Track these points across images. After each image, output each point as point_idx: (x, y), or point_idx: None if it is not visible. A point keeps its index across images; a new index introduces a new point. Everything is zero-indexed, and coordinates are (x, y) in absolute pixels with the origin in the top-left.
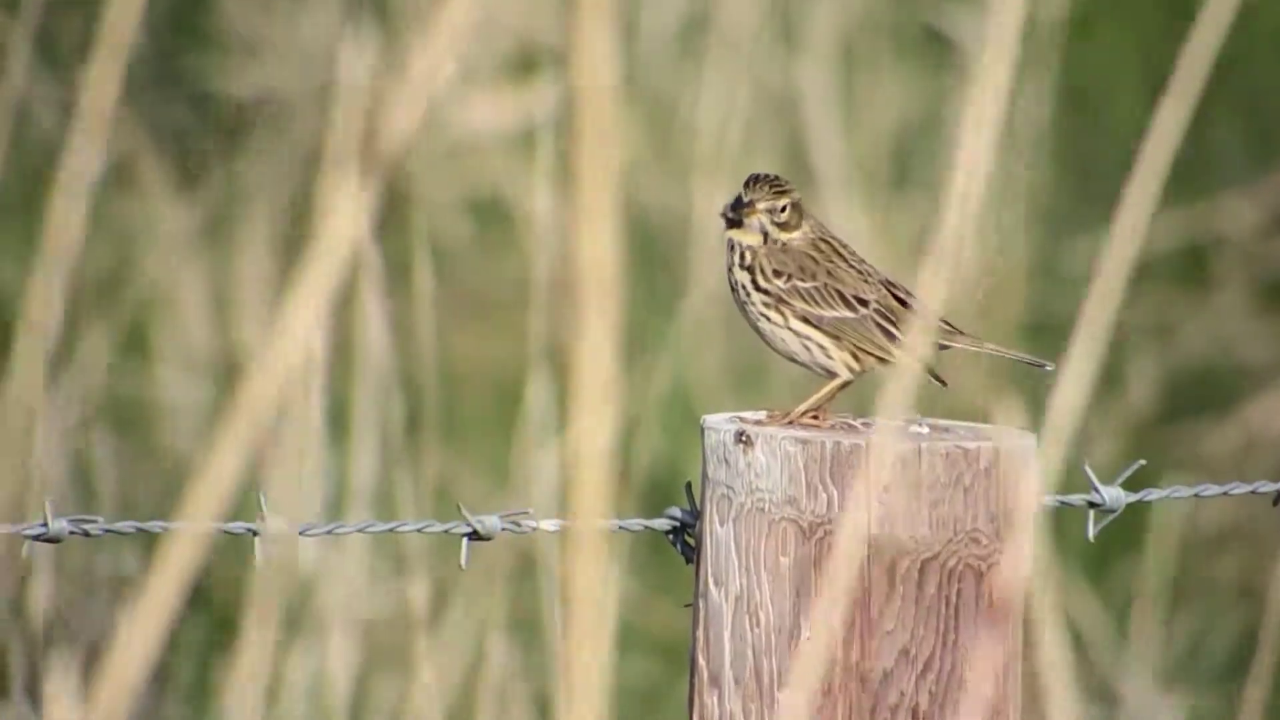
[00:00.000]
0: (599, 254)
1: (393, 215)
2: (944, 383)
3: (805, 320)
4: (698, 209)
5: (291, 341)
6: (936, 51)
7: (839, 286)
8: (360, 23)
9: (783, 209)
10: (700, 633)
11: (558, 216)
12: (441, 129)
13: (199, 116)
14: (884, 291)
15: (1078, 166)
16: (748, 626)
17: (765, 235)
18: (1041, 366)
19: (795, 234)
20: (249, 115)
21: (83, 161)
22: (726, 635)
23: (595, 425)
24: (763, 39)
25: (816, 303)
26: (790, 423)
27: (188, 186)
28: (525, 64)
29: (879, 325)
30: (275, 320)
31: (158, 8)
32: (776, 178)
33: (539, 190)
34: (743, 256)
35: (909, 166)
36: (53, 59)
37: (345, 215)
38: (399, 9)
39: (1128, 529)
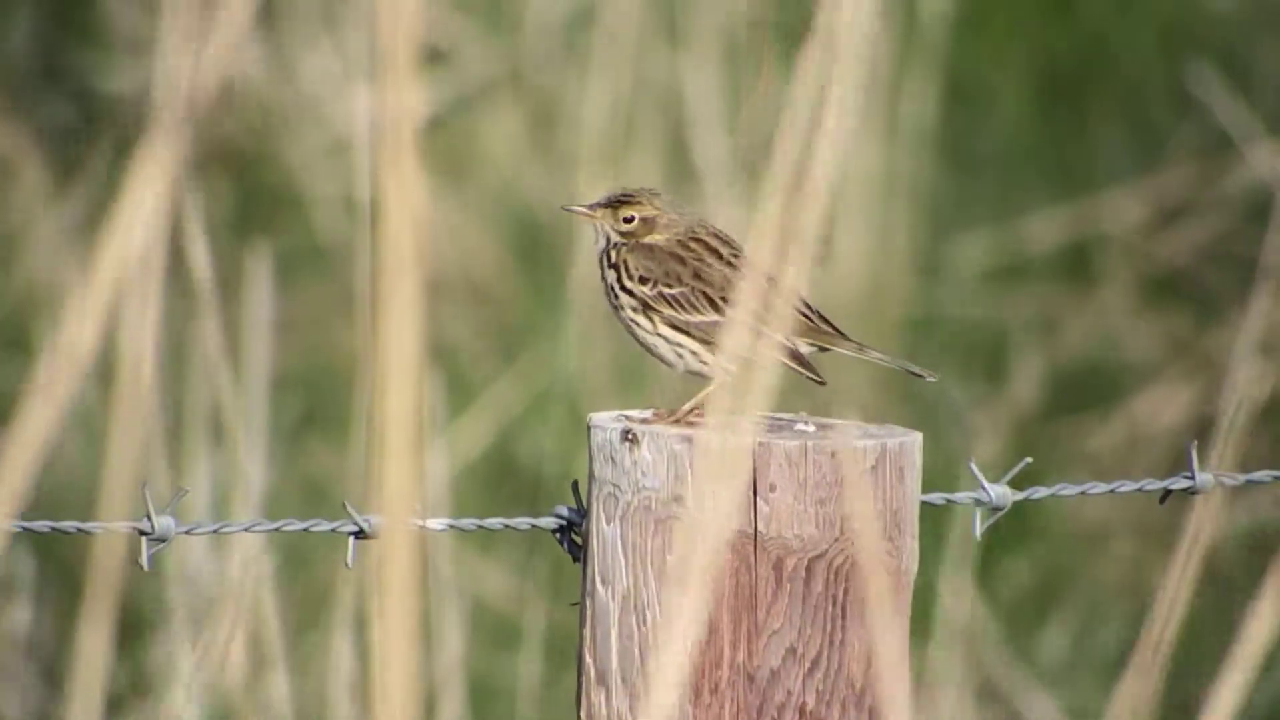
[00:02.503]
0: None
1: (275, 213)
2: (822, 381)
3: (673, 325)
4: (581, 204)
5: (93, 313)
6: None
7: (705, 289)
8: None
9: (626, 219)
10: (587, 631)
11: (441, 214)
12: (323, 126)
13: (81, 113)
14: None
15: (962, 162)
16: (635, 625)
17: (608, 239)
18: (925, 377)
19: (654, 237)
20: (131, 112)
21: None
22: (614, 634)
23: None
24: (647, 34)
25: (683, 308)
26: (676, 421)
27: (70, 183)
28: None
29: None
30: (76, 293)
31: (41, 5)
32: (627, 193)
33: (426, 188)
34: (608, 256)
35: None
36: None
37: (150, 179)
38: (288, 8)
39: (1013, 526)
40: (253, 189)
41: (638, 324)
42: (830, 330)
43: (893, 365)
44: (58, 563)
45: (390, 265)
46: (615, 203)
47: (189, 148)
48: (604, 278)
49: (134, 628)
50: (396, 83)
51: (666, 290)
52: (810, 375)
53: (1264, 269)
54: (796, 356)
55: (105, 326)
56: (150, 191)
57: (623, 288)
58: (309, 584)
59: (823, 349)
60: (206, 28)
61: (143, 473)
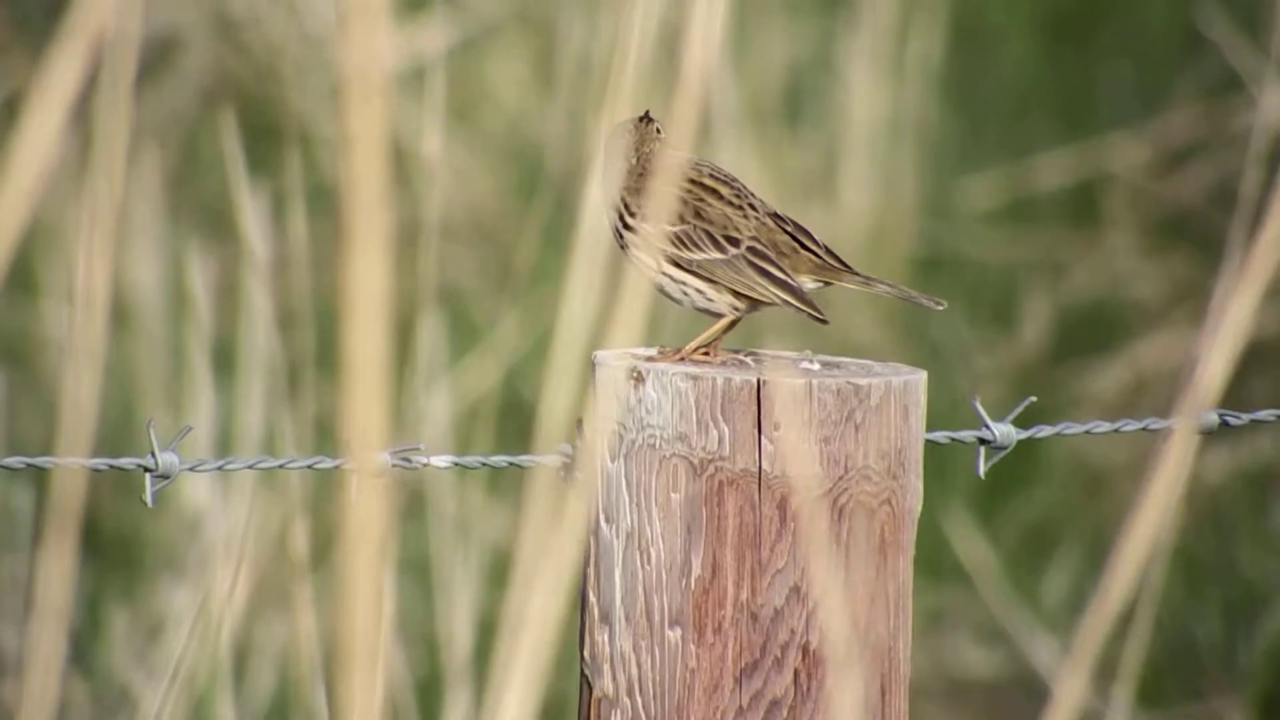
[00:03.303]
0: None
1: (277, 153)
2: (825, 320)
3: (676, 264)
4: (588, 145)
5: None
6: None
7: (707, 227)
8: None
9: (658, 131)
10: (591, 569)
11: (447, 155)
12: (327, 67)
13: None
14: (770, 226)
15: (968, 104)
16: (638, 563)
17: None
18: (933, 306)
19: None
20: (138, 49)
21: None
22: (617, 572)
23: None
24: None
25: (685, 246)
26: (681, 359)
27: (75, 119)
28: (413, 3)
29: (751, 264)
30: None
31: None
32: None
33: (428, 130)
34: (609, 196)
35: (799, 104)
36: None
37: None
38: None
39: (1017, 467)
40: (257, 128)
41: (641, 261)
42: (836, 265)
43: (900, 296)
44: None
45: (357, 205)
46: (645, 118)
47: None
48: (611, 222)
49: (138, 568)
50: (365, 24)
51: (668, 228)
52: (813, 314)
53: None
54: (800, 295)
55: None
56: (52, 114)
57: (625, 226)
58: (315, 524)
59: (828, 284)
60: None
61: (146, 410)
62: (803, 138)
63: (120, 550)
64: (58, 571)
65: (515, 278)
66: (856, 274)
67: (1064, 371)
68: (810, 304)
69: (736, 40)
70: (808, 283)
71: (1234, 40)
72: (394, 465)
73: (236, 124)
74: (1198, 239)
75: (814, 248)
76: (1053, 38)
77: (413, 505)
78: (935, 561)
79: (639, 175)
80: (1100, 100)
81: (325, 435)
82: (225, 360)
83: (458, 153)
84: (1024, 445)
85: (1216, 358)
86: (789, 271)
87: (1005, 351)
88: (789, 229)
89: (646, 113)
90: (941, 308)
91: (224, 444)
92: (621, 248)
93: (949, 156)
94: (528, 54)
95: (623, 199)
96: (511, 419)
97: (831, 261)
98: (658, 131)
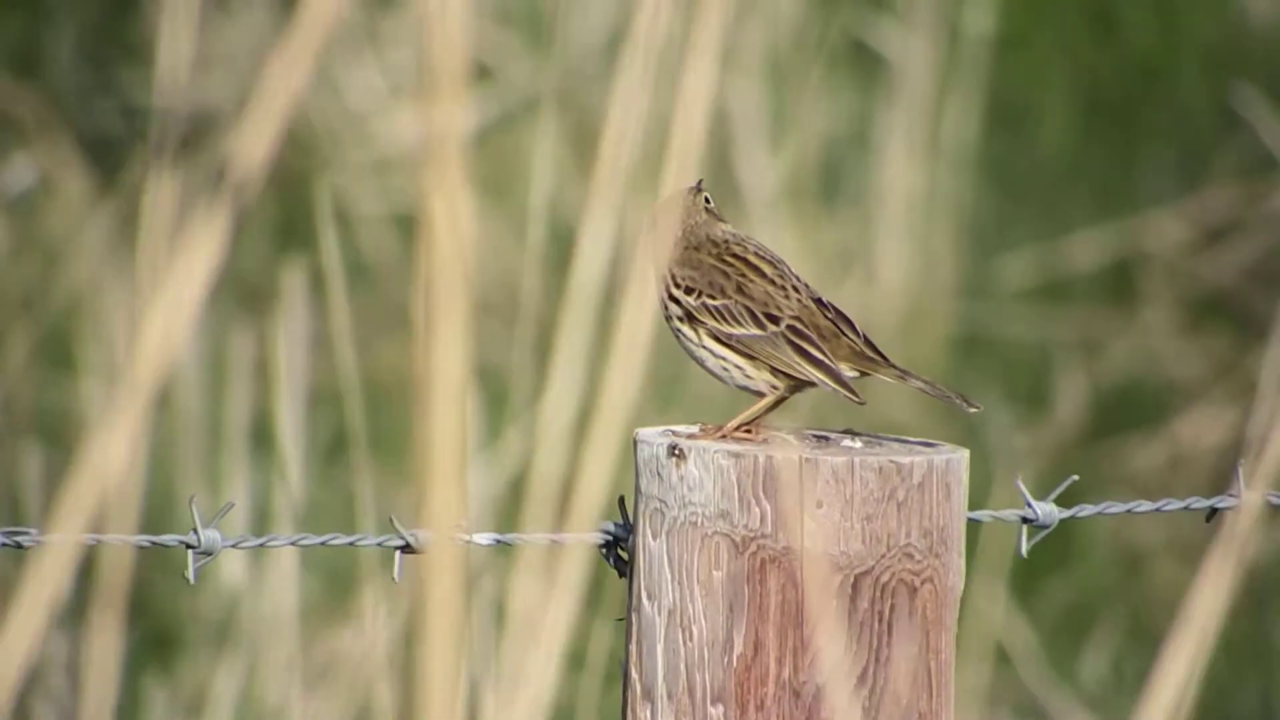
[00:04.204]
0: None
1: (315, 230)
2: (862, 401)
3: (716, 338)
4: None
5: (154, 352)
6: (864, 67)
7: (748, 303)
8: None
9: (706, 200)
10: (633, 646)
11: (483, 230)
12: (367, 143)
13: (127, 128)
14: (811, 309)
15: (1005, 182)
16: (680, 640)
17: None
18: (967, 408)
19: (717, 226)
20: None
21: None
22: (659, 649)
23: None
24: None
25: (725, 320)
26: (723, 436)
27: (113, 197)
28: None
29: (790, 342)
30: (139, 331)
31: (87, 19)
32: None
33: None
34: (656, 267)
35: (836, 182)
36: None
37: (206, 232)
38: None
39: (1056, 546)
40: (296, 205)
41: (684, 334)
42: (875, 355)
43: (935, 394)
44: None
45: (439, 286)
46: (696, 189)
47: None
48: (655, 289)
49: (176, 644)
50: (443, 100)
51: (710, 301)
52: (850, 395)
53: None
54: (837, 375)
55: (157, 377)
56: (198, 266)
57: (669, 296)
58: (347, 601)
59: (865, 374)
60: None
61: (184, 486)
62: (839, 215)
63: (157, 626)
64: (101, 648)
65: (551, 354)
66: (894, 366)
67: (1101, 450)
68: (847, 385)
69: (774, 117)
70: (845, 369)
71: (1270, 120)
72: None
73: (276, 201)
74: (1235, 317)
75: (853, 336)
76: (1089, 116)
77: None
78: (974, 640)
79: (686, 247)
80: (1137, 179)
81: (364, 512)
82: (263, 436)
83: (493, 228)
84: (1063, 524)
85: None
86: (827, 352)
87: (1042, 430)
88: (830, 315)
89: (698, 183)
90: (976, 410)
91: (260, 520)
92: (666, 319)
93: (986, 235)
94: (563, 130)
95: (669, 270)
96: (550, 496)
97: (870, 352)
98: (707, 202)
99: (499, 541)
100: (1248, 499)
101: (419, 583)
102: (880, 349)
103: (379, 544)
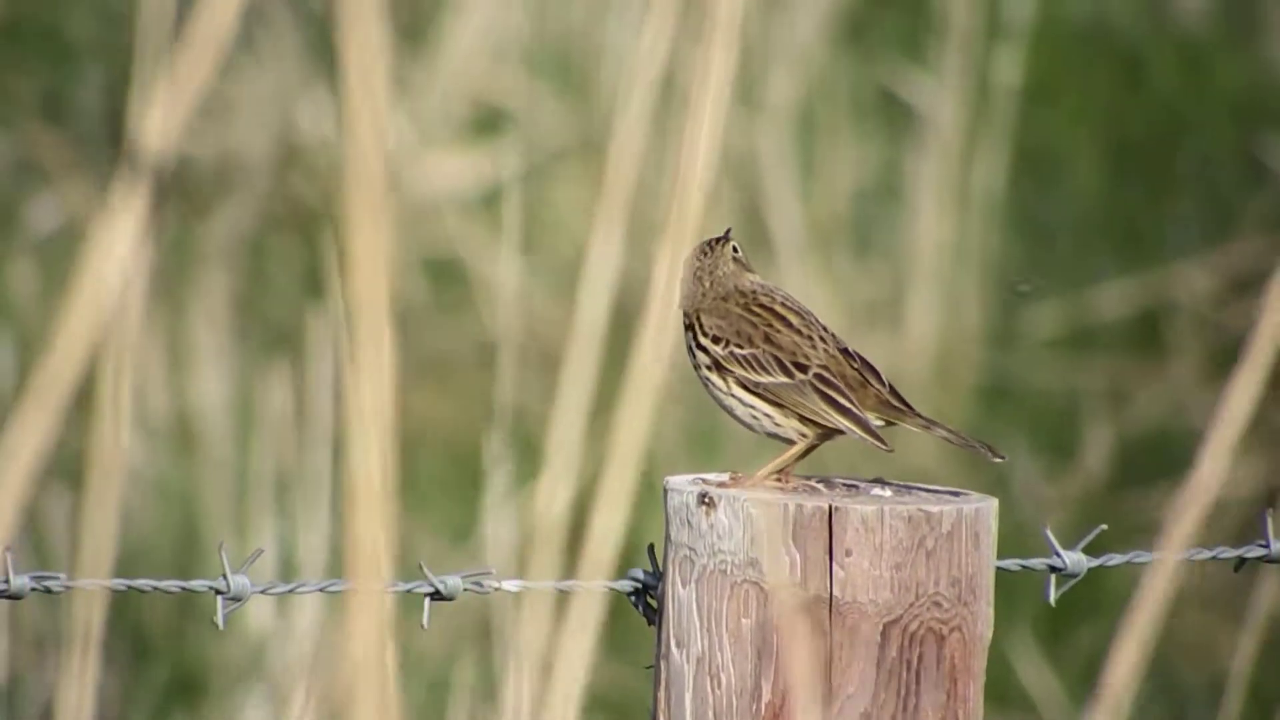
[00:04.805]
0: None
1: (343, 274)
2: (889, 449)
3: (744, 387)
4: (655, 270)
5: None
6: (894, 117)
7: (776, 352)
8: (317, 83)
9: (735, 250)
10: (662, 694)
11: (516, 278)
12: (399, 189)
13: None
14: (838, 359)
15: (1033, 232)
16: (709, 688)
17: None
18: (992, 458)
19: (742, 280)
20: (206, 173)
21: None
22: (688, 697)
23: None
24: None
25: (754, 369)
26: (753, 485)
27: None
28: (483, 126)
29: (818, 391)
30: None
31: (114, 63)
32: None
33: (500, 255)
34: (685, 315)
35: (864, 231)
36: (8, 115)
37: (120, 227)
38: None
39: (1083, 595)
40: (322, 250)
41: (712, 383)
42: (900, 405)
43: (961, 444)
44: (125, 624)
45: (362, 321)
46: (724, 239)
47: (158, 194)
48: (687, 342)
49: (202, 690)
50: (364, 131)
51: (738, 350)
52: (878, 443)
53: None
54: (864, 423)
55: (82, 370)
56: (119, 239)
57: (698, 344)
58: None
59: (891, 423)
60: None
61: (211, 532)
62: (868, 265)
63: (185, 671)
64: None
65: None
66: (920, 416)
67: (1127, 500)
68: (874, 432)
69: (802, 166)
70: (872, 419)
71: None
72: (465, 589)
73: (302, 246)
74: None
75: (879, 386)
76: (1117, 167)
77: (479, 631)
78: (1001, 689)
79: (714, 297)
80: (1164, 229)
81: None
82: (291, 482)
83: (523, 277)
84: (1090, 573)
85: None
86: (854, 401)
87: (1069, 479)
88: (856, 365)
89: (726, 233)
90: (1001, 460)
91: (287, 566)
92: (694, 368)
93: (1013, 284)
94: (592, 179)
95: (698, 318)
96: (579, 544)
97: (895, 401)
98: (735, 252)
99: (527, 588)
100: (1276, 549)
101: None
102: (906, 399)
103: (408, 590)
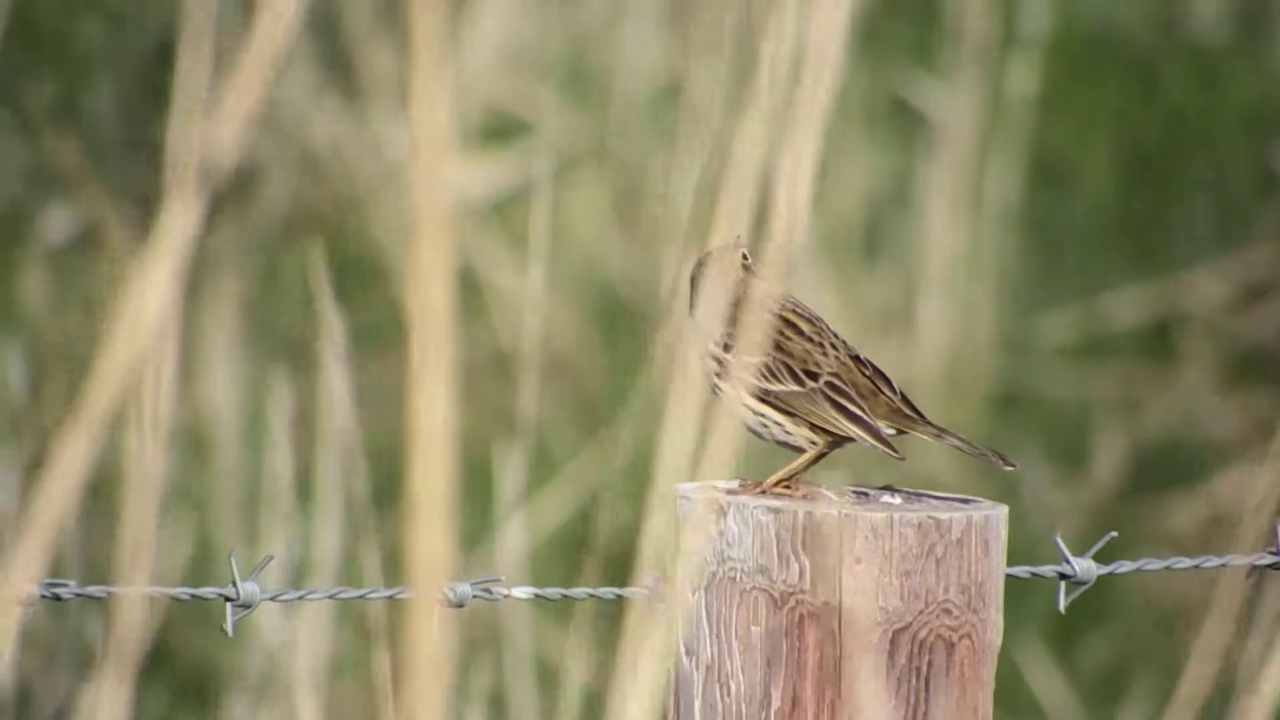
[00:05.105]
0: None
1: (356, 284)
2: (901, 457)
3: (755, 395)
4: (665, 278)
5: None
6: (906, 125)
7: (787, 360)
8: (330, 91)
9: (744, 257)
10: (670, 701)
11: (526, 288)
12: (405, 199)
13: (163, 181)
14: (850, 367)
15: (1046, 240)
16: (718, 696)
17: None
18: (1002, 466)
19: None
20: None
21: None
22: (697, 704)
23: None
24: (734, 110)
25: (764, 377)
26: (762, 492)
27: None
28: (494, 133)
29: (829, 399)
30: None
31: (128, 74)
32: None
33: (519, 264)
34: (700, 324)
35: (877, 239)
36: (20, 123)
37: (174, 226)
38: (368, 76)
39: (1094, 604)
40: (336, 259)
41: (721, 389)
42: (911, 414)
43: (972, 452)
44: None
45: (423, 338)
46: (735, 245)
47: (203, 213)
48: (695, 345)
49: (212, 697)
50: (434, 155)
51: (749, 358)
52: (889, 451)
53: None
54: (875, 431)
55: (125, 393)
56: (164, 259)
57: (709, 354)
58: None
59: (902, 431)
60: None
61: (223, 539)
62: (880, 272)
63: (195, 678)
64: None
65: (592, 411)
66: (931, 424)
67: (1140, 508)
68: (885, 441)
69: (816, 174)
70: (883, 426)
71: None
72: (475, 596)
73: (317, 255)
74: (1274, 376)
75: (890, 394)
76: (1130, 175)
77: (488, 638)
78: (1011, 696)
79: (725, 304)
80: (1177, 237)
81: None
82: (303, 490)
83: (541, 285)
84: (1100, 581)
85: None
86: (866, 409)
87: (1081, 487)
88: (868, 372)
89: (737, 238)
90: (1013, 469)
91: (299, 573)
92: (704, 374)
93: (1026, 292)
94: (605, 187)
95: (708, 326)
96: (589, 551)
97: (907, 409)
98: (745, 258)
99: (538, 596)
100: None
101: (401, 639)
102: (917, 407)
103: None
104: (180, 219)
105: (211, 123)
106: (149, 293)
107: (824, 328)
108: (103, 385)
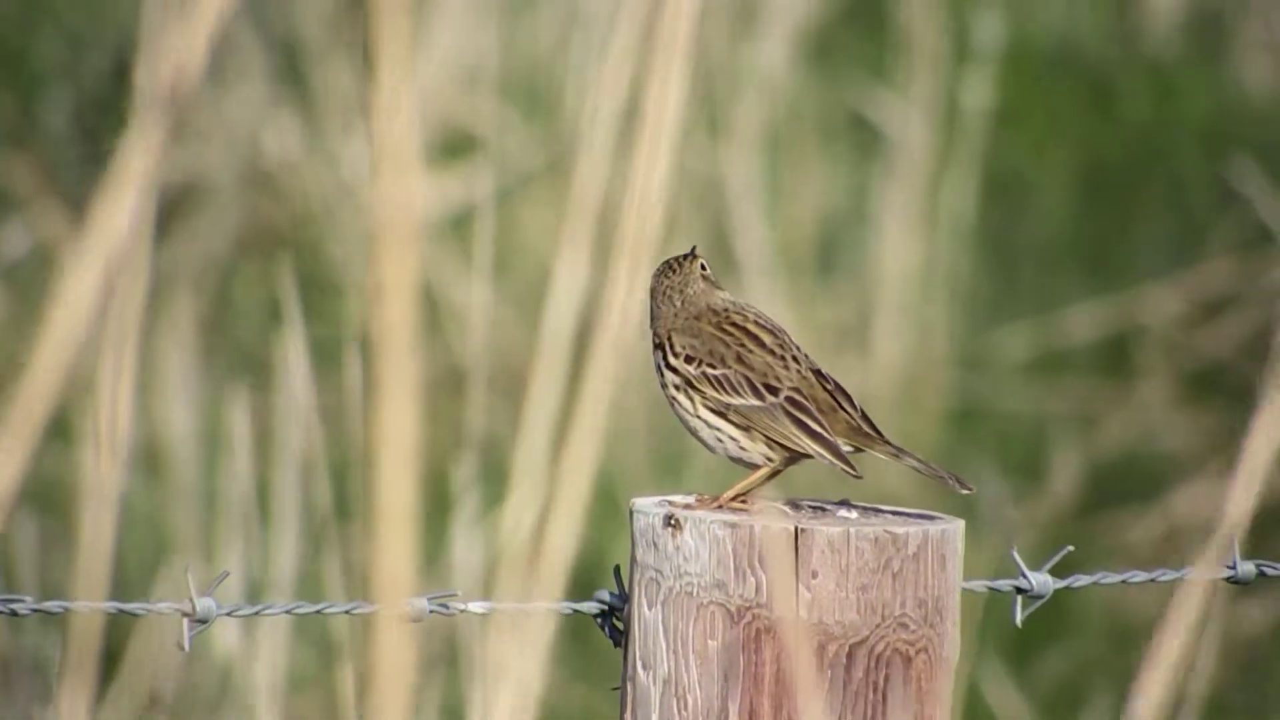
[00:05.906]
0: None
1: (311, 300)
2: (859, 476)
3: (712, 410)
4: (620, 295)
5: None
6: (862, 140)
7: (748, 373)
8: (285, 107)
9: (703, 268)
10: (629, 715)
11: (486, 303)
12: (363, 213)
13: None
14: (811, 381)
15: (1002, 256)
16: (675, 710)
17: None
18: (959, 489)
19: (713, 297)
20: (173, 198)
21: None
22: (654, 718)
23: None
24: (689, 125)
25: (724, 390)
26: (719, 507)
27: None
28: (451, 149)
29: (789, 414)
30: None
31: (85, 91)
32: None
33: (470, 279)
34: (655, 335)
35: (832, 254)
36: None
37: (135, 162)
38: (323, 92)
39: (1051, 618)
40: (291, 274)
41: (679, 403)
42: (870, 432)
43: (929, 473)
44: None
45: (386, 354)
46: (690, 256)
47: (168, 139)
48: (655, 361)
49: (168, 711)
50: (397, 172)
51: (710, 370)
52: (847, 469)
53: None
54: (834, 448)
55: (91, 310)
56: (133, 180)
57: (667, 365)
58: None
59: (860, 449)
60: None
61: (180, 555)
62: (836, 287)
63: (151, 696)
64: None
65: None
66: (889, 444)
67: (1096, 523)
68: (844, 458)
69: (770, 189)
70: (842, 444)
71: (1267, 194)
72: (431, 611)
73: (272, 271)
74: (1230, 391)
75: (850, 411)
76: (1086, 190)
77: (445, 653)
78: (969, 711)
79: (687, 315)
80: (1134, 252)
81: (360, 580)
82: (260, 505)
83: (490, 301)
84: (1058, 596)
85: (1241, 505)
86: (826, 426)
87: (1038, 502)
88: (829, 388)
89: (693, 249)
90: (969, 492)
91: (255, 589)
92: (662, 387)
93: (982, 308)
94: (559, 203)
95: (669, 338)
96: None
97: (866, 427)
98: (703, 269)
99: (495, 609)
100: (1242, 570)
101: (366, 652)
102: (877, 425)
103: (374, 611)
104: (144, 142)
105: (177, 34)
106: (117, 210)
107: (786, 340)
108: (33, 393)
